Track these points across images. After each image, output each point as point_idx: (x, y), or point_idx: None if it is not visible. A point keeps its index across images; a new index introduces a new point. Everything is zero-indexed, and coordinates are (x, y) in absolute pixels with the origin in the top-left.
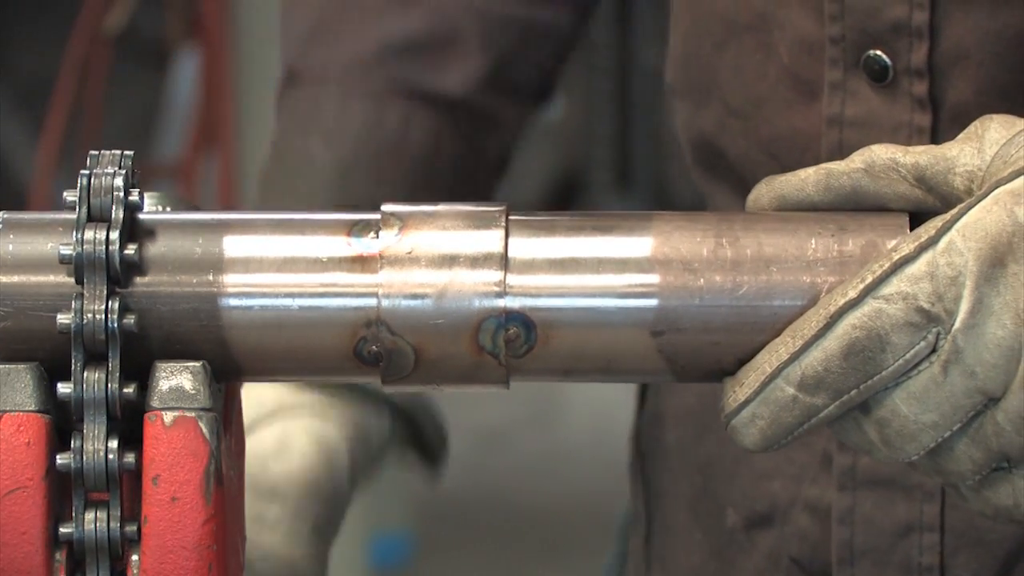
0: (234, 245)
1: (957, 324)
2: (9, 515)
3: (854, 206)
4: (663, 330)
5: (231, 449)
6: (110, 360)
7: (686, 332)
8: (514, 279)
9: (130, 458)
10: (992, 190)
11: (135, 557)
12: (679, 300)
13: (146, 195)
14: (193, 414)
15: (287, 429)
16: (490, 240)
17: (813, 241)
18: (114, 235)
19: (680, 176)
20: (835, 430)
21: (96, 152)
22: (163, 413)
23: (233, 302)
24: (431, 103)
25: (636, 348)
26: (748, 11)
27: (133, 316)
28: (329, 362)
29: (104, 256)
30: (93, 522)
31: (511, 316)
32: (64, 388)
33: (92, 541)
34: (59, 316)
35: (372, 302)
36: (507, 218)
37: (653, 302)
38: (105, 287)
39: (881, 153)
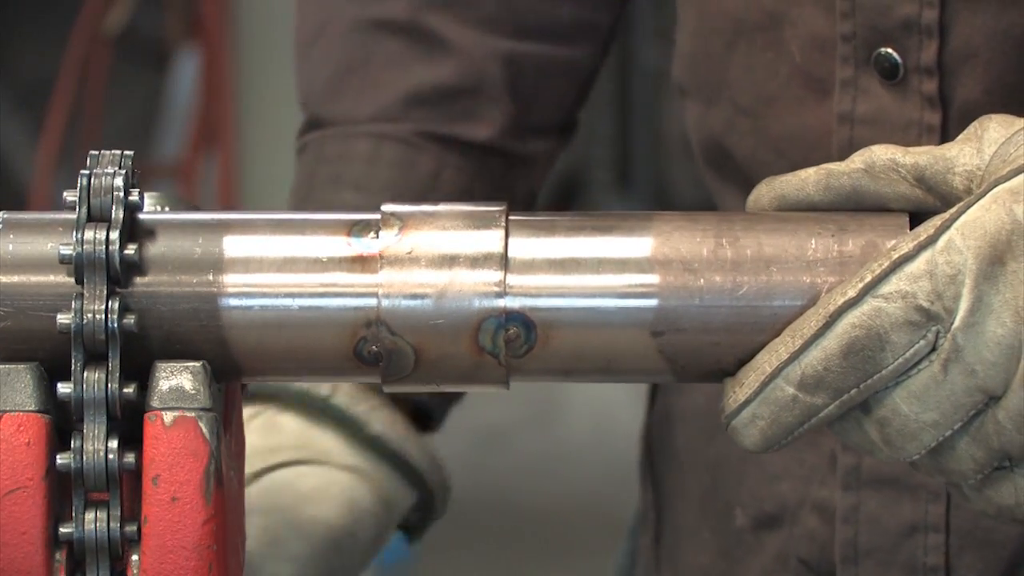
0: (234, 245)
1: (957, 322)
2: (9, 515)
3: (854, 206)
4: (663, 330)
5: (231, 449)
6: (110, 360)
7: (686, 332)
8: (514, 279)
9: (130, 458)
10: (991, 189)
11: (135, 557)
12: (679, 300)
13: (146, 195)
14: (193, 414)
15: (333, 478)
16: (490, 240)
17: (813, 241)
18: (114, 235)
19: (680, 176)
20: (836, 430)
21: (96, 152)
22: (163, 413)
23: (233, 302)
24: (461, 150)
25: (636, 348)
26: (758, 10)
27: (133, 316)
28: (329, 362)
29: (104, 256)
30: (93, 522)
31: (511, 316)
32: (64, 388)
33: (92, 541)
34: (59, 316)
35: (372, 302)
36: (507, 218)
37: (653, 302)
38: (105, 287)
39: (881, 153)
